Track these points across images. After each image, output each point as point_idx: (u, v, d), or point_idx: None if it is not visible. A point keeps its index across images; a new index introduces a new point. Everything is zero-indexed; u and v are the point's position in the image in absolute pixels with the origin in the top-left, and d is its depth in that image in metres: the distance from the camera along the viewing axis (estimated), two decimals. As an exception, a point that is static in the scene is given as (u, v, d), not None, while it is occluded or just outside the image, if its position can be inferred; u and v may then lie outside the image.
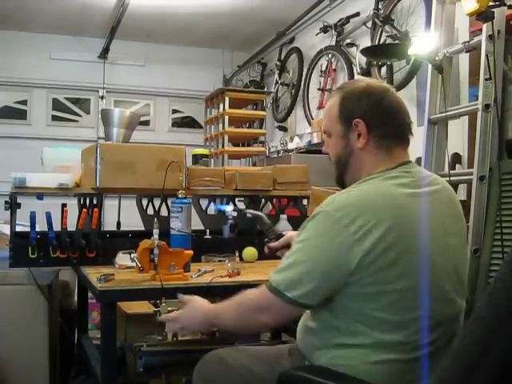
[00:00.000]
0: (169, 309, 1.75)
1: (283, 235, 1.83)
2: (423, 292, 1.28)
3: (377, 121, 1.39)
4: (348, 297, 1.28)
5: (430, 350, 1.30)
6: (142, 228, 3.03)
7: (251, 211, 2.16)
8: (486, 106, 2.31)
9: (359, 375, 1.26)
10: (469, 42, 2.46)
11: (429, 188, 1.38)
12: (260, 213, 2.07)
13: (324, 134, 1.51)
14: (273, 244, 1.82)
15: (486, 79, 2.30)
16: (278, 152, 5.08)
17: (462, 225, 1.46)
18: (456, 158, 2.88)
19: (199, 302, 1.61)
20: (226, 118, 4.57)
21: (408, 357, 1.28)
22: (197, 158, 3.34)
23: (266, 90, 5.43)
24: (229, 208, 2.08)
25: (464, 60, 2.90)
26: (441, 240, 1.35)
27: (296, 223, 2.05)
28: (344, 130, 1.41)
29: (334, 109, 1.43)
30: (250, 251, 2.47)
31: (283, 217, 2.59)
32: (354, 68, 4.18)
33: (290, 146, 4.89)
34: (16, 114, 5.96)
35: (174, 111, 6.61)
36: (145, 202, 3.12)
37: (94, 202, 2.51)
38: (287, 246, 1.78)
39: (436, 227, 1.34)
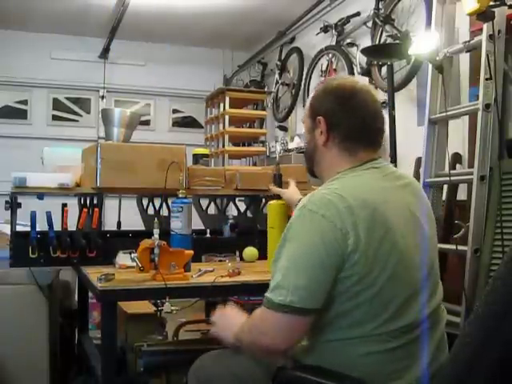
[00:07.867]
0: (172, 308, 1.75)
1: None
2: (404, 281, 1.29)
3: (337, 120, 1.40)
4: (335, 295, 1.27)
5: (413, 337, 1.30)
6: (143, 228, 3.03)
7: None
8: (487, 106, 2.31)
9: (345, 370, 1.26)
10: (469, 41, 2.46)
11: (399, 182, 1.42)
12: None
13: None
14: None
15: (487, 79, 2.30)
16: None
17: (433, 217, 1.48)
18: (456, 158, 2.87)
19: (233, 313, 1.54)
20: (227, 117, 4.58)
21: (391, 346, 1.28)
22: (197, 158, 3.34)
23: (266, 89, 5.42)
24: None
25: (464, 60, 2.90)
26: (419, 231, 1.37)
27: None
28: (311, 126, 1.46)
29: (308, 104, 1.49)
30: (250, 251, 2.47)
31: (283, 216, 2.59)
32: (355, 68, 4.17)
33: (290, 145, 4.88)
34: (16, 113, 5.95)
35: (175, 111, 6.60)
36: (145, 201, 3.12)
37: (95, 201, 2.51)
38: None
39: (414, 219, 1.37)
